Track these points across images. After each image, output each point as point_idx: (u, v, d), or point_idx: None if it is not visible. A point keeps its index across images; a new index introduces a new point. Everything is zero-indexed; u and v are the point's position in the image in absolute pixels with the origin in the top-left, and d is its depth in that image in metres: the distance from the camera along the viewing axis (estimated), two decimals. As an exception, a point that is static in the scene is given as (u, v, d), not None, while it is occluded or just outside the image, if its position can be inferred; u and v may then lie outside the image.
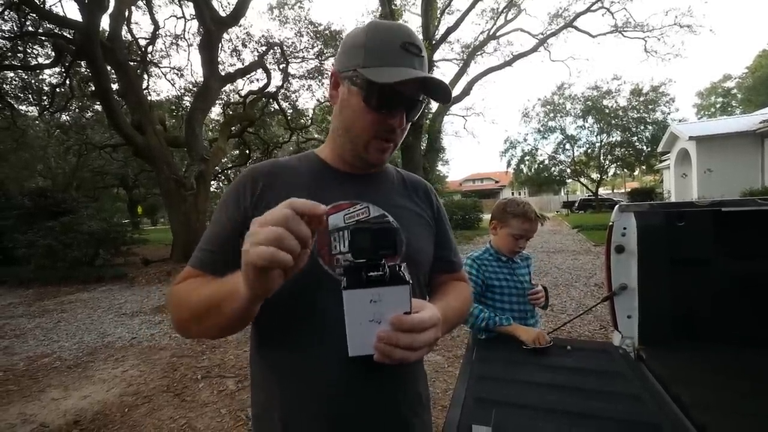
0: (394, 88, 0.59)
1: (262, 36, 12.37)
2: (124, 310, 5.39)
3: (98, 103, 11.26)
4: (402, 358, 0.49)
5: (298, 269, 0.44)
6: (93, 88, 9.56)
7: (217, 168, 13.96)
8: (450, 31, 14.36)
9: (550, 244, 10.16)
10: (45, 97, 12.39)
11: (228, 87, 13.10)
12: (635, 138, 23.68)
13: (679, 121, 21.20)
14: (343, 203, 0.68)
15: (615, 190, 38.56)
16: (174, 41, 13.07)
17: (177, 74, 13.90)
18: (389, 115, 0.63)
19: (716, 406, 0.95)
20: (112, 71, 9.16)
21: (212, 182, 12.52)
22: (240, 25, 11.29)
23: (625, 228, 1.48)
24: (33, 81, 12.50)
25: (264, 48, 12.21)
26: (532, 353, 1.26)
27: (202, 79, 10.53)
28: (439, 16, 14.35)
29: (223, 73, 10.94)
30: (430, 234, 0.78)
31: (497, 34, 16.25)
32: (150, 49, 12.31)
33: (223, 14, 10.02)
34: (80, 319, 5.02)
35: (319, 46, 12.47)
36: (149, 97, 12.01)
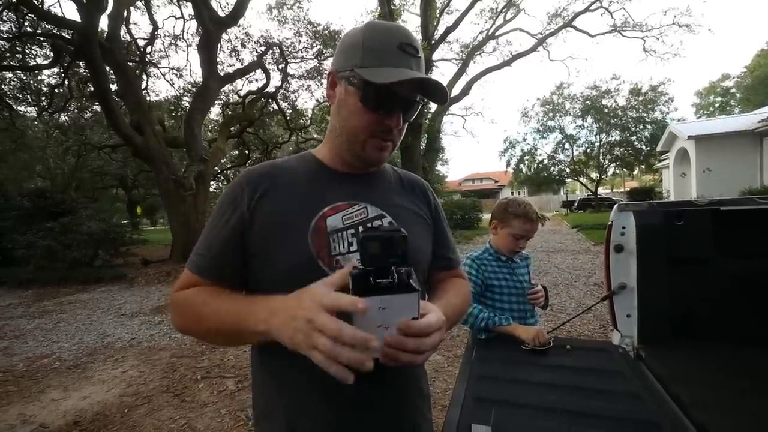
0: (390, 89, 0.59)
1: (261, 36, 12.36)
2: (124, 311, 5.39)
3: (97, 103, 11.25)
4: (408, 361, 0.50)
5: None
6: (92, 89, 9.54)
7: (216, 168, 13.95)
8: (449, 30, 14.36)
9: (549, 244, 10.16)
10: (44, 98, 12.37)
11: (227, 87, 13.09)
12: (634, 137, 23.70)
13: (678, 120, 21.23)
14: (341, 204, 0.68)
15: (614, 190, 38.60)
16: (173, 41, 13.06)
17: (176, 74, 13.91)
18: (386, 116, 0.63)
19: (715, 405, 0.96)
20: (111, 72, 9.14)
21: (211, 183, 12.50)
22: (239, 26, 11.29)
23: (624, 227, 1.48)
24: (32, 81, 12.48)
25: (263, 48, 12.21)
26: (531, 353, 1.26)
27: (201, 80, 10.51)
28: (438, 15, 14.34)
29: (222, 74, 10.94)
30: (428, 232, 0.79)
31: (496, 33, 16.25)
32: (149, 49, 12.30)
33: (221, 14, 10.00)
34: (80, 320, 5.01)
35: (318, 46, 12.46)
36: (148, 98, 11.98)
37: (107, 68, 8.61)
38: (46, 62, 10.26)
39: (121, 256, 9.94)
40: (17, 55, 10.53)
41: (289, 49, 12.61)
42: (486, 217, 12.52)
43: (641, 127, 23.33)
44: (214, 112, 15.30)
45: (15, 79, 12.16)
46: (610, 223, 1.51)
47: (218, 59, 10.66)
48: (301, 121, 16.17)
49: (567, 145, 26.46)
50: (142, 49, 12.03)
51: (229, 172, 18.72)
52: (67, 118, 15.11)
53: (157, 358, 3.53)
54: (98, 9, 7.84)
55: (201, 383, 2.93)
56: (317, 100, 15.06)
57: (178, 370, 3.21)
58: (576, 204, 26.78)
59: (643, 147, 23.22)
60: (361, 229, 0.66)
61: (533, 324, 1.49)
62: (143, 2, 11.35)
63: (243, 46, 12.47)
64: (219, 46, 10.50)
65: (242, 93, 13.83)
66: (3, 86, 11.75)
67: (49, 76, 12.44)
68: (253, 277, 0.67)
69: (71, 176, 17.59)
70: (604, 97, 24.24)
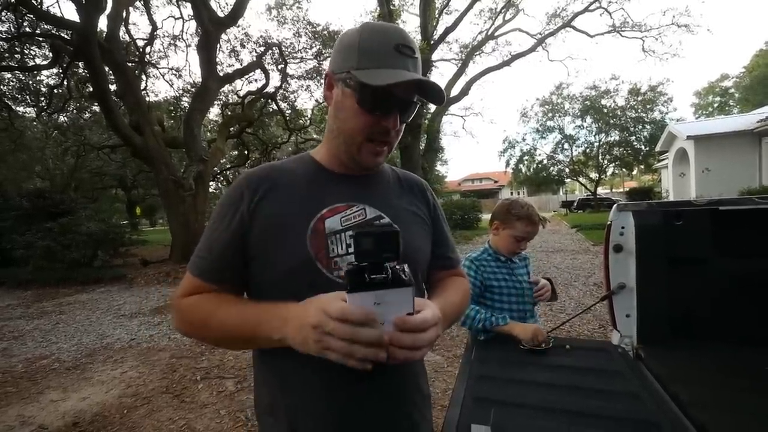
0: (387, 90, 0.59)
1: (261, 36, 12.34)
2: (123, 312, 5.38)
3: (96, 104, 11.25)
4: (406, 357, 0.50)
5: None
6: (91, 89, 9.55)
7: (215, 169, 13.92)
8: (448, 31, 14.35)
9: (549, 244, 10.17)
10: (43, 98, 12.36)
11: (226, 87, 13.08)
12: (633, 137, 23.73)
13: (677, 120, 21.27)
14: (340, 206, 0.68)
15: (613, 190, 38.62)
16: (172, 42, 13.03)
17: (175, 75, 13.89)
18: (383, 117, 0.63)
19: (714, 405, 0.96)
20: (110, 72, 9.13)
21: (211, 183, 12.51)
22: (238, 26, 11.27)
23: (623, 227, 1.49)
24: (30, 82, 12.48)
25: (262, 48, 12.19)
26: (530, 353, 1.26)
27: (200, 80, 10.50)
28: (437, 16, 14.35)
29: (221, 74, 10.93)
30: (427, 232, 0.79)
31: (495, 34, 16.26)
32: (148, 49, 12.28)
33: (221, 15, 9.99)
34: (79, 321, 5.00)
35: (318, 47, 12.45)
36: (147, 98, 11.98)
37: (106, 68, 8.60)
38: (45, 62, 10.25)
39: (121, 256, 9.93)
40: (16, 56, 10.53)
41: (289, 50, 12.60)
42: (485, 217, 12.52)
43: (640, 127, 23.36)
44: (214, 112, 15.29)
45: (14, 80, 12.17)
46: (609, 223, 1.51)
47: (217, 59, 10.67)
48: (301, 121, 16.16)
49: (566, 145, 26.53)
50: (141, 50, 12.02)
51: (228, 172, 18.71)
52: (66, 118, 15.10)
53: (157, 358, 3.53)
54: (97, 9, 7.83)
55: (200, 384, 2.93)
56: (316, 101, 15.05)
57: (177, 370, 3.21)
58: (575, 204, 26.81)
59: (642, 147, 23.26)
60: None
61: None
62: (142, 2, 11.34)
63: (242, 46, 12.46)
64: (218, 46, 10.50)
65: (241, 93, 13.81)
66: (2, 87, 11.76)
67: (48, 77, 12.45)
68: (253, 279, 0.67)
69: (70, 177, 17.57)
70: (603, 97, 24.28)
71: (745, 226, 1.40)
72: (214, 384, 2.91)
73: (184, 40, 12.94)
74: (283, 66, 12.68)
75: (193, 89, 12.84)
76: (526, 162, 28.14)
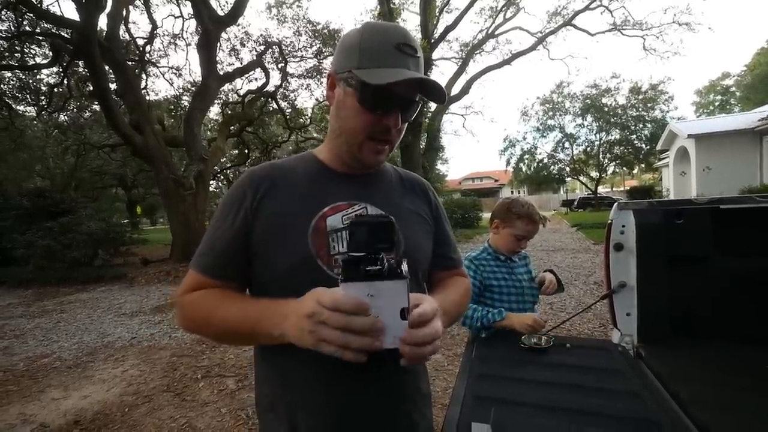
0: (388, 89, 0.59)
1: (261, 35, 12.33)
2: (124, 310, 5.39)
3: (96, 102, 11.24)
4: (414, 355, 0.51)
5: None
6: (91, 88, 9.53)
7: (216, 168, 13.94)
8: (449, 29, 14.33)
9: (549, 243, 10.17)
10: (43, 97, 12.35)
11: (226, 86, 13.08)
12: (634, 136, 23.68)
13: (678, 119, 21.19)
14: (341, 204, 0.68)
15: (614, 189, 38.62)
16: (172, 41, 13.01)
17: (175, 74, 13.89)
18: (384, 116, 0.64)
19: (715, 403, 0.96)
20: (110, 71, 9.13)
21: (211, 182, 12.51)
22: (238, 25, 11.26)
23: (623, 226, 1.48)
24: (31, 81, 12.47)
25: (262, 47, 12.18)
26: (531, 351, 1.26)
27: (200, 79, 10.50)
28: (437, 14, 14.32)
29: (221, 73, 10.92)
30: (429, 232, 0.79)
31: (496, 32, 16.23)
32: (148, 48, 12.27)
33: (221, 13, 9.98)
34: (80, 320, 5.01)
35: (318, 45, 12.45)
36: (147, 97, 11.97)
37: (106, 67, 8.60)
38: (45, 61, 10.24)
39: (121, 255, 9.95)
40: (16, 55, 10.52)
41: (289, 48, 12.60)
42: (486, 216, 12.52)
43: (641, 125, 23.31)
44: (214, 111, 15.31)
45: (14, 79, 12.15)
46: (609, 221, 1.51)
47: (218, 58, 10.66)
48: (301, 120, 16.15)
49: (567, 144, 26.46)
50: (141, 48, 12.01)
51: (228, 171, 18.72)
52: (66, 117, 15.11)
53: (158, 357, 3.53)
54: (97, 8, 7.82)
55: (201, 382, 2.93)
56: (317, 100, 15.06)
57: (178, 369, 3.21)
58: (576, 203, 26.80)
59: (643, 146, 23.22)
60: None
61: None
62: (142, 1, 11.33)
63: (242, 45, 12.46)
64: (218, 45, 10.49)
65: (242, 92, 13.82)
66: (2, 86, 11.74)
67: (48, 76, 12.46)
68: (255, 277, 0.68)
69: (71, 176, 17.58)
70: (604, 95, 24.22)
71: (746, 225, 1.40)
72: (214, 382, 2.92)
73: (184, 39, 12.94)
74: (283, 65, 12.67)
75: (193, 88, 12.84)
76: (526, 161, 28.11)
